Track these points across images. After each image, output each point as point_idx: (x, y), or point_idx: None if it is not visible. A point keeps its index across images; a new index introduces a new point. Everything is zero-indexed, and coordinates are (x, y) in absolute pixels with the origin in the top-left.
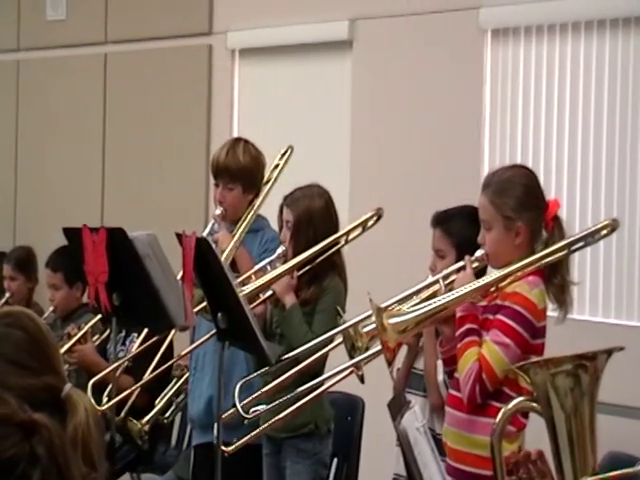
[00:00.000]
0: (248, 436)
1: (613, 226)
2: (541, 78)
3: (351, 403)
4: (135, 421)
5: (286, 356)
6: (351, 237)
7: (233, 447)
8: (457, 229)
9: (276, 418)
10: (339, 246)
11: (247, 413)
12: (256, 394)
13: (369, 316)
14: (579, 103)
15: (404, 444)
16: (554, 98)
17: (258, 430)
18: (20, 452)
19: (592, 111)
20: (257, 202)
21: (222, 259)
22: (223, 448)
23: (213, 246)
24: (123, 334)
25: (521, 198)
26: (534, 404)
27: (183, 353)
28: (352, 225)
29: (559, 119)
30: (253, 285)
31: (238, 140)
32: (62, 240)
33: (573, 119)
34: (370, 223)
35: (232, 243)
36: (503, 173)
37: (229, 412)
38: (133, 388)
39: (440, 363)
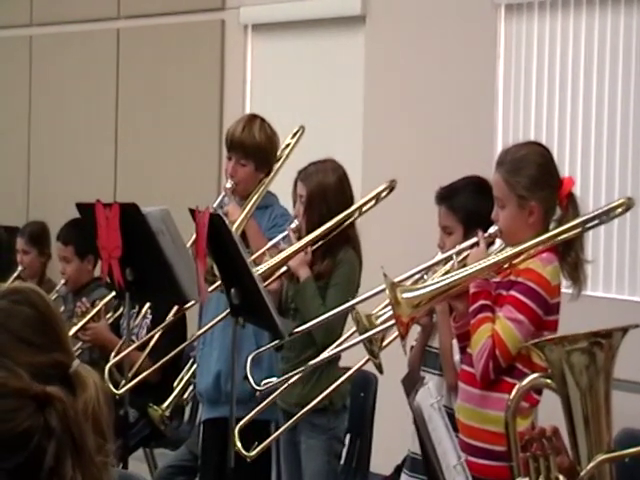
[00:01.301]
0: (266, 442)
1: (628, 204)
2: (555, 53)
3: (364, 380)
4: (156, 407)
5: (297, 329)
6: (364, 209)
7: (254, 452)
8: (461, 204)
9: (306, 409)
10: (352, 218)
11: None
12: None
13: (381, 291)
14: (593, 78)
15: (418, 420)
16: (568, 73)
17: (291, 421)
18: (35, 424)
19: (606, 86)
20: (268, 178)
21: (233, 229)
22: (245, 453)
23: (227, 222)
24: (136, 310)
25: (535, 177)
26: (548, 380)
27: (199, 333)
28: (365, 199)
29: (573, 94)
30: (268, 264)
31: (255, 117)
32: (75, 215)
33: (587, 94)
34: (383, 195)
35: (242, 215)
36: (517, 151)
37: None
38: (148, 371)
39: (456, 342)
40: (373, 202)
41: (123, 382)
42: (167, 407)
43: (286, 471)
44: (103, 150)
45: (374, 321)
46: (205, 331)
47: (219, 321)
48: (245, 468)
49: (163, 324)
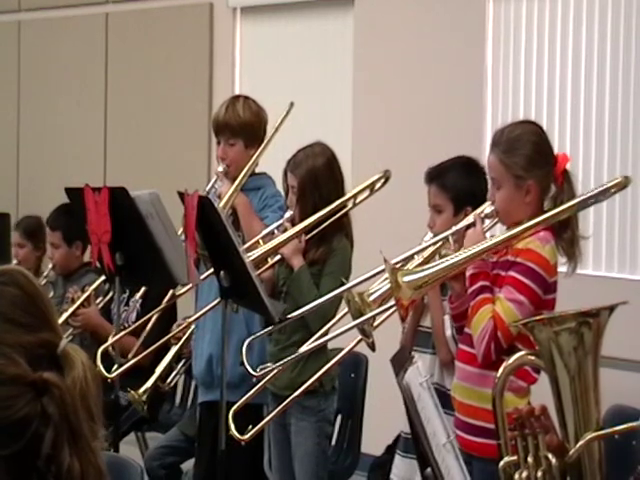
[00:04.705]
0: (260, 424)
1: (624, 184)
2: (543, 34)
3: (355, 360)
4: (133, 392)
5: (291, 315)
6: (358, 200)
7: (248, 435)
8: (451, 182)
9: (298, 392)
10: (347, 209)
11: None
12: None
13: (376, 274)
14: (581, 59)
15: (407, 399)
16: (556, 54)
17: (283, 404)
18: (32, 411)
19: (595, 67)
20: (258, 151)
21: (222, 212)
22: (239, 437)
23: (215, 205)
24: (126, 294)
25: (531, 156)
26: (533, 357)
27: (191, 319)
28: (360, 187)
29: (561, 75)
30: (261, 249)
31: (238, 97)
32: (65, 200)
33: (575, 75)
34: (378, 185)
35: (233, 188)
36: (512, 131)
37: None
38: (140, 356)
39: (447, 318)
40: (367, 192)
41: (115, 367)
42: (144, 392)
43: (276, 453)
44: (92, 135)
45: (366, 299)
46: (195, 320)
47: (211, 309)
48: (237, 450)
49: (157, 309)
